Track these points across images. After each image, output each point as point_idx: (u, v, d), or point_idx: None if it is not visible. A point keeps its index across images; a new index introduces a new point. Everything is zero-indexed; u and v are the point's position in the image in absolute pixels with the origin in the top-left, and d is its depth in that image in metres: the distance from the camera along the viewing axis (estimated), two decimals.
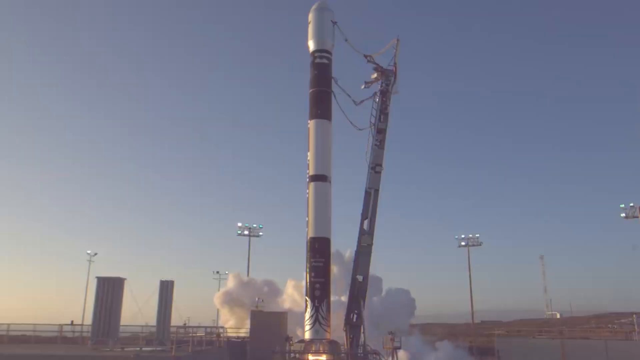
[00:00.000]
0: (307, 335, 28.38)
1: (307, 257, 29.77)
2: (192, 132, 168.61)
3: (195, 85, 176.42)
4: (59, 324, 31.01)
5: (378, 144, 31.79)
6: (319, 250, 29.40)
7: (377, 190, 31.30)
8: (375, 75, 33.26)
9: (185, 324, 36.75)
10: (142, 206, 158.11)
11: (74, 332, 31.97)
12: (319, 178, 30.58)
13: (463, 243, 61.36)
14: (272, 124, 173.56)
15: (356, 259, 30.65)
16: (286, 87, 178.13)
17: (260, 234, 58.77)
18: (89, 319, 31.73)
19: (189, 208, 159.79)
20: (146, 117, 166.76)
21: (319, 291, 28.66)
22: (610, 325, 47.76)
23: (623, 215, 46.97)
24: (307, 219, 30.42)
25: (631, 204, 46.91)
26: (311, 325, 28.34)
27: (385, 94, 32.61)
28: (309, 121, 31.71)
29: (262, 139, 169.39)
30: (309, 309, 28.63)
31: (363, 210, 31.18)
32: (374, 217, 31.12)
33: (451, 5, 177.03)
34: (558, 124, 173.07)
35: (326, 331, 28.34)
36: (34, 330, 29.99)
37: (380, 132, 31.96)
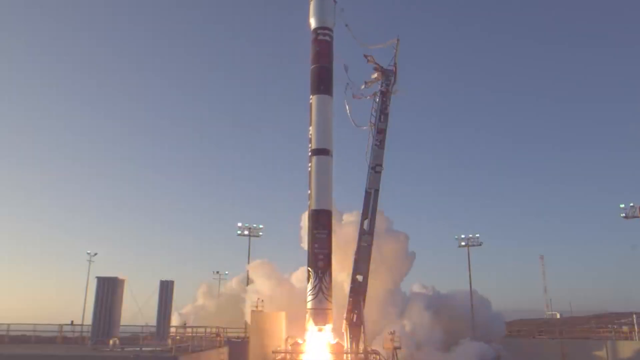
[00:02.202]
0: (310, 305, 28.74)
1: (309, 229, 30.01)
2: (192, 132, 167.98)
3: (195, 85, 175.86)
4: (59, 324, 30.84)
5: (378, 144, 31.74)
6: (322, 223, 29.67)
7: (377, 190, 31.25)
8: (375, 75, 33.21)
9: (185, 324, 36.69)
10: (142, 206, 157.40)
11: (74, 332, 31.79)
12: (321, 152, 30.89)
13: (463, 243, 61.13)
14: (272, 124, 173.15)
15: (356, 259, 30.60)
16: (286, 87, 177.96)
17: (260, 234, 58.67)
18: (89, 319, 31.53)
19: (189, 208, 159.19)
20: (146, 117, 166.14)
21: (322, 262, 29.00)
22: (610, 325, 47.58)
23: (623, 215, 46.80)
24: (309, 191, 30.63)
25: (631, 204, 46.72)
26: (314, 295, 28.67)
27: (385, 94, 32.56)
28: (311, 97, 31.91)
29: (262, 139, 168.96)
30: (311, 279, 28.89)
31: (363, 210, 31.13)
32: (374, 217, 31.08)
33: (451, 5, 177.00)
34: (558, 124, 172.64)
35: (328, 301, 28.74)
36: (34, 330, 29.87)
37: (380, 132, 31.92)
